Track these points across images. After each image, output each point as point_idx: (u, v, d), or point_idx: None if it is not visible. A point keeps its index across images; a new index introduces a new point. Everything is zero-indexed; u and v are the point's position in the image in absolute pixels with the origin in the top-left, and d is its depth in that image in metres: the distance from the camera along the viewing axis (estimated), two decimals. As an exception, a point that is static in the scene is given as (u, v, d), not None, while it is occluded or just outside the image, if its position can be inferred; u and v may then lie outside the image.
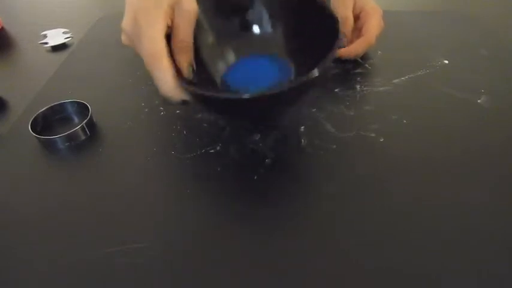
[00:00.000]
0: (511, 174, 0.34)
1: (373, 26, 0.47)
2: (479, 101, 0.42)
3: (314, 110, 0.42)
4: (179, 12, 0.33)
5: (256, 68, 0.41)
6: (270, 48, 0.42)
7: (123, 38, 0.35)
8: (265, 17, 0.42)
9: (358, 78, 0.47)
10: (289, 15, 0.40)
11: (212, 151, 0.38)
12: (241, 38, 0.42)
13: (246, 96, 0.29)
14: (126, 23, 0.33)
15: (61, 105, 0.43)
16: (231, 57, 0.42)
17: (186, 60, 0.34)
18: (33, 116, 0.41)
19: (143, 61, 0.33)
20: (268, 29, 0.42)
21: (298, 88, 0.32)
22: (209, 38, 0.41)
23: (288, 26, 0.41)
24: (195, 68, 0.35)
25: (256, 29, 0.42)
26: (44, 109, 0.42)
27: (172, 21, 0.33)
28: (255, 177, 0.35)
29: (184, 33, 0.34)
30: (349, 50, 0.47)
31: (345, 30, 0.46)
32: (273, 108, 0.37)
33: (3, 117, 0.45)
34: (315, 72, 0.30)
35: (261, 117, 0.42)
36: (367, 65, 0.49)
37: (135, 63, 0.52)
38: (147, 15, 0.31)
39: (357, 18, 0.48)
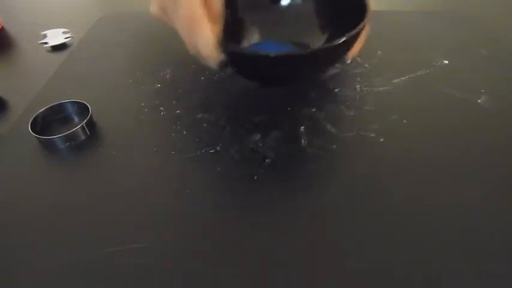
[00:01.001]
0: (511, 174, 0.34)
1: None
2: (479, 101, 0.42)
3: (314, 110, 0.42)
4: None
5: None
6: (295, 26, 0.45)
7: (154, 9, 0.35)
8: None
9: (358, 78, 0.47)
10: None
11: (212, 151, 0.38)
12: (269, 11, 0.43)
13: (284, 54, 0.34)
14: None
15: (61, 105, 0.43)
16: (256, 35, 0.42)
17: (216, 30, 0.34)
18: (33, 116, 0.41)
19: (179, 29, 0.34)
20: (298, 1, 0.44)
21: (327, 50, 0.36)
22: (237, 12, 0.41)
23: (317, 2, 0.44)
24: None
25: (285, 1, 0.44)
26: (43, 109, 0.42)
27: None
28: (255, 177, 0.35)
29: (217, 2, 0.34)
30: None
31: None
32: (307, 70, 0.40)
33: (3, 117, 0.45)
34: (341, 39, 0.34)
35: (291, 78, 0.43)
36: (367, 65, 0.49)
37: (135, 63, 0.52)
38: None
39: None
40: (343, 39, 0.34)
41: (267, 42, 0.46)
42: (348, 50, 0.39)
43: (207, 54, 0.33)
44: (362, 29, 0.36)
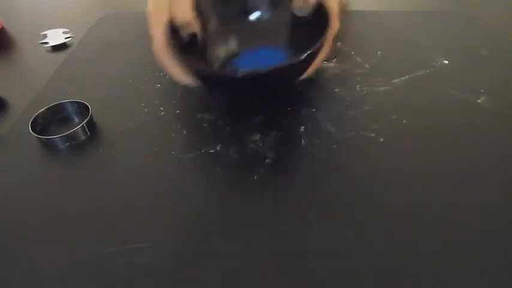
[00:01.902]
0: (511, 174, 0.34)
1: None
2: (479, 101, 0.42)
3: (314, 110, 0.42)
4: None
5: (256, 59, 0.43)
6: (267, 36, 0.44)
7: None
8: (264, 4, 0.43)
9: (358, 78, 0.47)
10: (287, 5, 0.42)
11: (212, 151, 0.38)
12: (241, 23, 0.43)
13: (238, 74, 0.33)
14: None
15: (61, 105, 0.43)
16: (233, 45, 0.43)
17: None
18: (33, 116, 0.41)
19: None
20: (266, 16, 0.44)
21: (285, 68, 0.36)
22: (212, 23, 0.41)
23: (284, 15, 0.44)
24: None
25: (254, 15, 0.44)
26: (44, 109, 0.42)
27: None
28: (255, 177, 0.35)
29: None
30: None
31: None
32: (264, 86, 0.41)
33: (3, 117, 0.45)
34: (301, 57, 0.34)
35: (251, 95, 0.44)
36: (367, 65, 0.49)
37: (135, 63, 0.52)
38: None
39: None
40: (300, 58, 0.34)
41: (262, 49, 0.45)
42: (307, 67, 0.39)
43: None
44: (319, 48, 0.37)
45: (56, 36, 0.60)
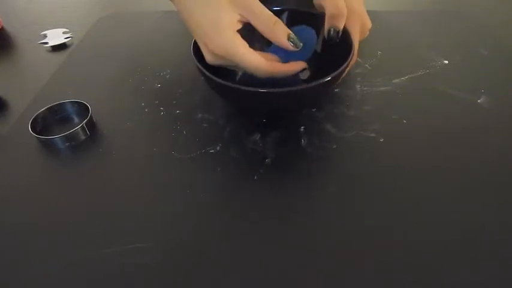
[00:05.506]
0: (511, 173, 0.34)
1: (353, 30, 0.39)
2: (479, 101, 0.42)
3: (314, 110, 0.42)
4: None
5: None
6: None
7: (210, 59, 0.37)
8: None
9: (358, 78, 0.47)
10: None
11: (212, 151, 0.38)
12: None
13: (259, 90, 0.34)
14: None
15: (61, 105, 0.43)
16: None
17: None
18: (33, 116, 0.41)
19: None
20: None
21: (312, 89, 0.35)
22: None
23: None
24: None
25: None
26: (43, 109, 0.42)
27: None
28: (255, 177, 0.35)
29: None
30: None
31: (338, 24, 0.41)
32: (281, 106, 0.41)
33: (3, 117, 0.45)
34: (327, 78, 0.34)
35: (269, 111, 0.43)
36: (367, 65, 0.49)
37: (135, 63, 0.52)
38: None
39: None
40: (327, 78, 0.34)
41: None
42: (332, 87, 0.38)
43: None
44: (345, 69, 0.36)
45: (56, 36, 0.60)
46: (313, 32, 0.39)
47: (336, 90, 0.45)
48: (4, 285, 0.29)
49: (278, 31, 0.34)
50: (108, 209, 0.33)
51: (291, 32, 0.35)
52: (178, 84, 0.47)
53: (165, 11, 0.65)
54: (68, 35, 0.60)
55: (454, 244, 0.29)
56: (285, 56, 0.37)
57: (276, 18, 0.35)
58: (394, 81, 0.46)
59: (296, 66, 0.37)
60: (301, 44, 0.35)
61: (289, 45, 0.35)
